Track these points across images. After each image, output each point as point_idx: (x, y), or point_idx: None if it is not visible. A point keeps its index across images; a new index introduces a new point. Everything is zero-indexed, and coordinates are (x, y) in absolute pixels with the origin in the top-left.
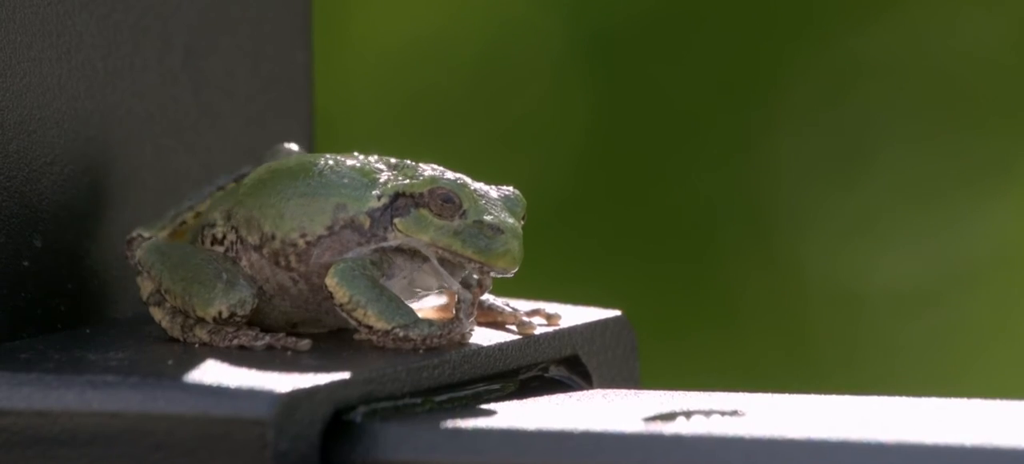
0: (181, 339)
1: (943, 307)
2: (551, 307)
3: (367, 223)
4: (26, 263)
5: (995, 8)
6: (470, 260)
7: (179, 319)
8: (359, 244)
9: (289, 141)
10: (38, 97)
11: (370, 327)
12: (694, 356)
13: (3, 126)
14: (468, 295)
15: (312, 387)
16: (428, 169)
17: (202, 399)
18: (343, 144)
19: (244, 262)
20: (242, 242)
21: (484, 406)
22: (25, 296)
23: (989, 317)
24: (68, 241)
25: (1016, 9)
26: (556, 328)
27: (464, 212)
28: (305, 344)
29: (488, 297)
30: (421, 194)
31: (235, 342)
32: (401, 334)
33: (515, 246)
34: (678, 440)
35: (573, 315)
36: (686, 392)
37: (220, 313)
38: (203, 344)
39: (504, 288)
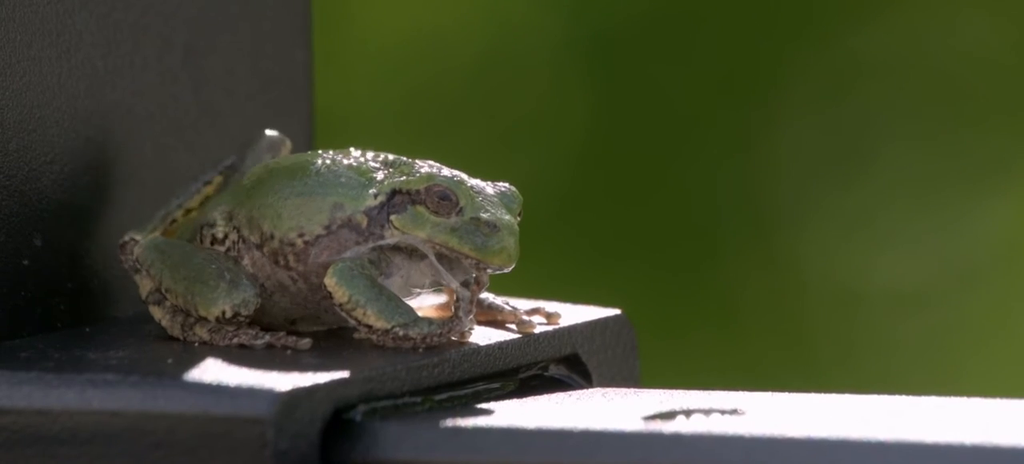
0: (181, 338)
1: (942, 306)
2: (551, 306)
3: (364, 222)
4: (26, 262)
5: (995, 8)
6: (467, 257)
7: (179, 318)
8: (357, 243)
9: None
10: (38, 96)
11: (370, 326)
12: (694, 355)
13: (3, 125)
14: (467, 293)
15: (312, 386)
16: (425, 166)
17: (202, 398)
18: (343, 143)
19: (246, 260)
20: (244, 241)
21: (484, 405)
22: (25, 295)
23: (988, 316)
24: (68, 240)
25: (1016, 9)
26: (556, 327)
27: (461, 209)
28: (305, 343)
29: (488, 296)
30: (418, 191)
31: (235, 341)
32: (401, 333)
33: (511, 243)
34: (678, 439)
35: (573, 314)
36: (686, 391)
37: (224, 313)
38: (203, 343)
39: (504, 287)
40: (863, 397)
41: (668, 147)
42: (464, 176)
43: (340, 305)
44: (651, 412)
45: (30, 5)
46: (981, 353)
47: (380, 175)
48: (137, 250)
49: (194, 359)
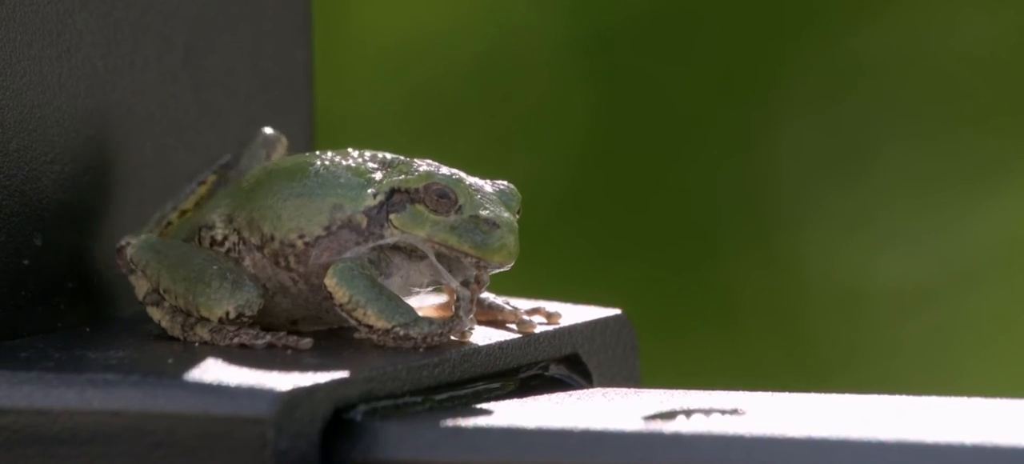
0: (181, 338)
1: (943, 306)
2: (551, 306)
3: (364, 222)
4: (26, 261)
5: (995, 8)
6: (466, 255)
7: (179, 318)
8: (357, 243)
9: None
10: (38, 95)
11: (370, 326)
12: (694, 355)
13: (3, 124)
14: (467, 293)
15: (312, 386)
16: (423, 165)
17: (202, 397)
18: (343, 143)
19: (247, 262)
20: (245, 243)
21: (484, 405)
22: (25, 294)
23: (989, 316)
24: (68, 239)
25: (1016, 9)
26: (556, 327)
27: (460, 207)
28: (306, 343)
29: (488, 296)
30: (417, 190)
31: (236, 341)
32: (401, 333)
33: (511, 240)
34: (678, 439)
35: (573, 314)
36: (686, 391)
37: (227, 314)
38: (204, 343)
39: (504, 287)
40: (863, 397)
41: (668, 147)
42: (463, 175)
43: (340, 305)
44: (651, 412)
45: (30, 5)
46: (981, 353)
47: (379, 175)
48: (131, 251)
49: (194, 359)
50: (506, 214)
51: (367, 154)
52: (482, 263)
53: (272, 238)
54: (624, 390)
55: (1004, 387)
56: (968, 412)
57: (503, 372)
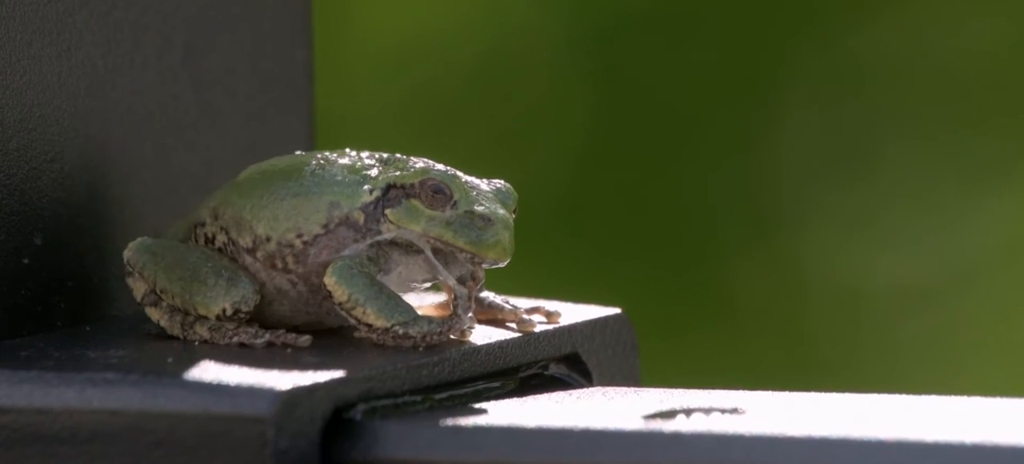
0: (181, 337)
1: (943, 305)
2: (551, 305)
3: (361, 219)
4: (26, 260)
5: (996, 8)
6: (461, 250)
7: (178, 317)
8: (355, 240)
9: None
10: (38, 95)
11: (370, 325)
12: (694, 354)
13: (3, 124)
14: (464, 290)
15: (312, 385)
16: (419, 162)
17: (202, 397)
18: (343, 143)
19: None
20: (234, 244)
21: (484, 404)
22: (25, 293)
23: (989, 315)
24: (68, 239)
25: (1017, 9)
26: (556, 326)
27: (455, 203)
28: (305, 341)
29: (488, 295)
30: (412, 185)
31: (235, 339)
32: (401, 331)
33: (506, 237)
34: (678, 438)
35: (573, 313)
36: (686, 390)
37: (224, 311)
38: (203, 342)
39: (504, 286)
40: (863, 396)
41: (668, 147)
42: (458, 172)
43: (340, 304)
44: (651, 411)
45: (30, 4)
46: (981, 353)
47: (375, 172)
48: (127, 253)
49: (194, 358)
50: (501, 211)
51: (363, 153)
52: (477, 259)
53: (268, 239)
54: (624, 389)
55: (1004, 387)
56: (968, 412)
57: (503, 371)
